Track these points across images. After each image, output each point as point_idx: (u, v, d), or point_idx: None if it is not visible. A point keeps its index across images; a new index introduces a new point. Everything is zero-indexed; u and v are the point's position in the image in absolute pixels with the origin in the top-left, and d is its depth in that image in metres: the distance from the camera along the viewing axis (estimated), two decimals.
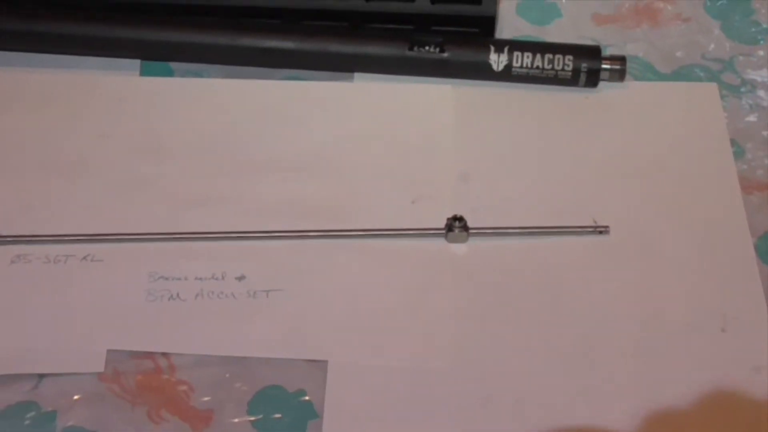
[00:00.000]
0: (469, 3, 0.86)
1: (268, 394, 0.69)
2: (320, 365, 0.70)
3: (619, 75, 0.85)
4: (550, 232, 0.77)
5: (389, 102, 0.86)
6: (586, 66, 0.84)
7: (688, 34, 0.91)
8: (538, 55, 0.83)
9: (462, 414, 0.68)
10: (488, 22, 0.87)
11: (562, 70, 0.83)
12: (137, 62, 0.88)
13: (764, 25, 0.92)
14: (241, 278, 0.74)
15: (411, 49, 0.84)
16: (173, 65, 0.88)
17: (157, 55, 0.88)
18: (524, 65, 0.83)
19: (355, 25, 0.87)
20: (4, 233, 0.76)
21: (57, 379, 0.69)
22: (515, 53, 0.84)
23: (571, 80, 0.84)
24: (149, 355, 0.71)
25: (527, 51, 0.84)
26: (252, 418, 0.68)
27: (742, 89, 0.86)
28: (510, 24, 0.92)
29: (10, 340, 0.71)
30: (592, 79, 0.84)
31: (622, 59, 0.85)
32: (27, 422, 0.67)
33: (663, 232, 0.77)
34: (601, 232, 0.76)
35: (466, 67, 0.85)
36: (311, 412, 0.68)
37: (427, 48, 0.84)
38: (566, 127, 0.84)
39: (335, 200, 0.79)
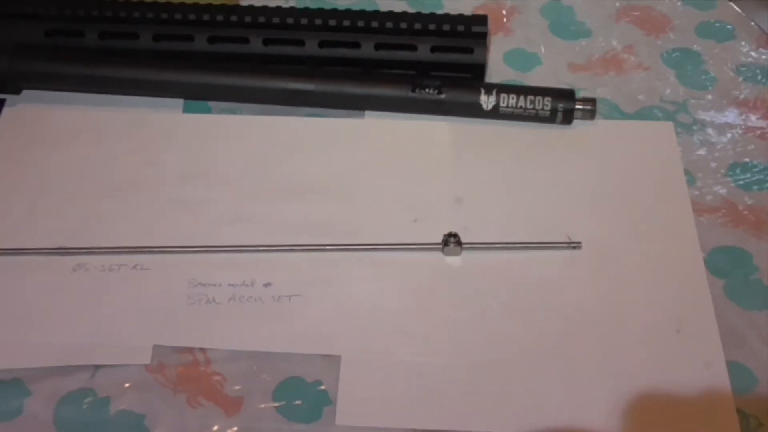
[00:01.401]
0: (463, 52, 0.86)
1: (290, 383, 0.68)
2: (334, 359, 0.69)
3: (590, 114, 0.84)
4: (531, 247, 0.76)
5: (395, 136, 0.85)
6: (562, 106, 0.83)
7: (648, 81, 0.91)
8: (522, 97, 0.83)
9: (456, 402, 0.67)
10: (479, 69, 0.87)
11: (542, 109, 0.83)
12: (180, 101, 0.87)
13: (712, 74, 0.91)
14: (267, 285, 0.73)
15: (413, 91, 0.84)
16: (211, 104, 0.88)
17: (197, 95, 0.87)
18: (510, 105, 0.83)
19: (366, 70, 0.87)
20: (67, 245, 0.76)
21: (110, 370, 0.69)
22: (502, 95, 0.83)
23: (550, 118, 0.84)
24: (189, 350, 0.70)
25: (512, 93, 0.83)
26: (276, 404, 0.67)
27: (694, 127, 0.86)
28: (498, 70, 0.91)
29: (71, 336, 0.71)
30: (567, 117, 0.84)
31: (592, 101, 0.84)
32: (85, 406, 0.67)
33: (627, 247, 0.77)
34: (574, 248, 0.76)
35: (460, 106, 0.84)
36: (326, 400, 0.67)
37: (427, 90, 0.83)
38: (545, 158, 0.83)
39: (348, 219, 0.78)
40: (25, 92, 0.88)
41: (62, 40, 0.88)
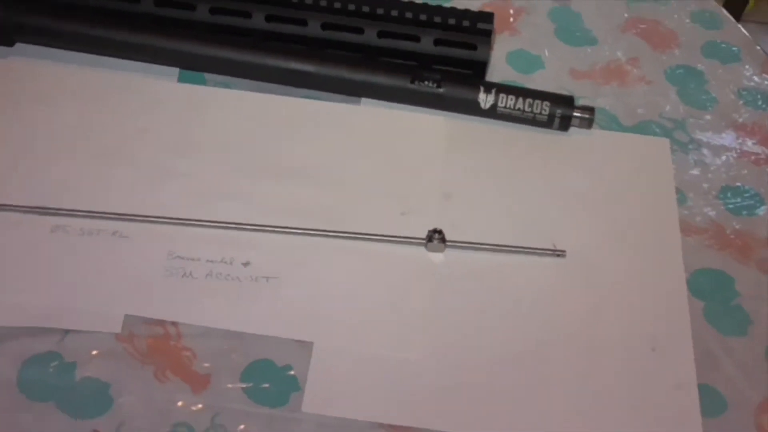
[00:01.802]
0: (466, 48, 0.85)
1: (259, 365, 0.68)
2: (306, 345, 0.69)
3: (588, 123, 0.84)
4: (516, 251, 0.76)
5: (389, 126, 0.84)
6: (560, 112, 0.83)
7: (649, 95, 0.90)
8: (521, 99, 0.82)
9: (425, 400, 0.67)
10: (481, 66, 0.86)
11: (540, 113, 0.82)
12: (176, 70, 0.87)
13: (713, 95, 0.91)
14: (246, 264, 0.73)
15: (412, 82, 0.83)
16: (207, 76, 0.87)
17: (194, 66, 0.87)
18: (508, 106, 0.83)
19: (367, 56, 0.86)
20: (48, 205, 0.75)
21: (79, 335, 0.68)
22: (501, 95, 0.83)
23: (547, 123, 0.83)
24: (161, 322, 0.70)
25: (511, 94, 0.83)
26: (244, 385, 0.67)
27: (690, 146, 0.86)
28: (499, 70, 0.91)
29: (43, 298, 0.70)
30: (565, 123, 0.83)
31: (591, 110, 0.84)
32: (51, 370, 0.67)
33: (611, 260, 0.76)
34: (558, 255, 0.76)
35: (458, 102, 0.84)
36: (295, 385, 0.67)
37: (426, 83, 0.83)
38: (538, 163, 0.83)
39: (334, 205, 0.78)
40: (18, 45, 0.87)
41: None
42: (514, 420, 0.67)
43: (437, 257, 0.75)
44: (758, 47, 0.96)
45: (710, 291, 0.75)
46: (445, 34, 0.85)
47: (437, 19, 0.85)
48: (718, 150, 0.86)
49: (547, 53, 0.93)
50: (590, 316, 0.73)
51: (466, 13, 0.86)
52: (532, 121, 0.83)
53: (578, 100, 0.86)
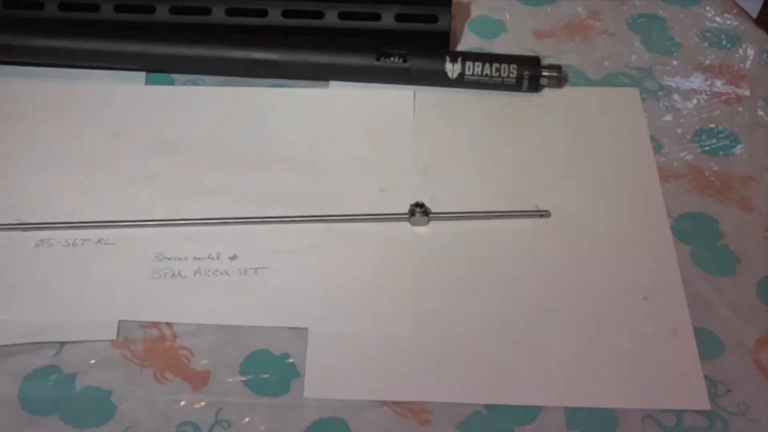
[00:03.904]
0: (427, 21, 0.85)
1: (257, 357, 0.68)
2: (302, 332, 0.69)
3: (557, 81, 0.84)
4: (499, 216, 0.76)
5: (360, 105, 0.84)
6: (527, 73, 0.83)
7: (614, 47, 0.90)
8: (487, 64, 0.82)
9: (425, 374, 0.67)
10: (444, 37, 0.86)
11: (508, 76, 0.82)
12: (143, 74, 0.86)
13: (677, 40, 0.91)
14: (233, 258, 0.72)
15: (378, 59, 0.83)
16: (174, 75, 0.86)
17: (160, 67, 0.86)
18: (475, 73, 0.82)
19: (330, 39, 0.86)
20: (30, 221, 0.74)
21: (76, 346, 0.68)
22: (467, 63, 0.82)
23: (516, 86, 0.83)
24: (155, 324, 0.69)
25: (477, 61, 0.82)
26: (244, 378, 0.67)
27: (660, 93, 0.86)
28: (463, 38, 0.91)
29: (36, 313, 0.70)
30: (534, 84, 0.83)
31: (558, 68, 0.84)
32: (51, 383, 0.66)
33: (594, 215, 0.76)
34: (542, 216, 0.75)
35: (425, 74, 0.84)
36: (294, 373, 0.67)
37: (391, 59, 0.83)
38: (512, 126, 0.83)
39: (314, 190, 0.77)
40: None
41: (21, 12, 0.86)
42: (512, 382, 0.67)
43: (422, 231, 0.75)
44: None
45: (695, 234, 0.75)
46: (405, 9, 0.85)
47: None
48: (688, 94, 0.86)
49: (508, 16, 0.93)
50: (580, 272, 0.73)
51: None
52: (501, 86, 0.83)
53: (544, 59, 0.85)
